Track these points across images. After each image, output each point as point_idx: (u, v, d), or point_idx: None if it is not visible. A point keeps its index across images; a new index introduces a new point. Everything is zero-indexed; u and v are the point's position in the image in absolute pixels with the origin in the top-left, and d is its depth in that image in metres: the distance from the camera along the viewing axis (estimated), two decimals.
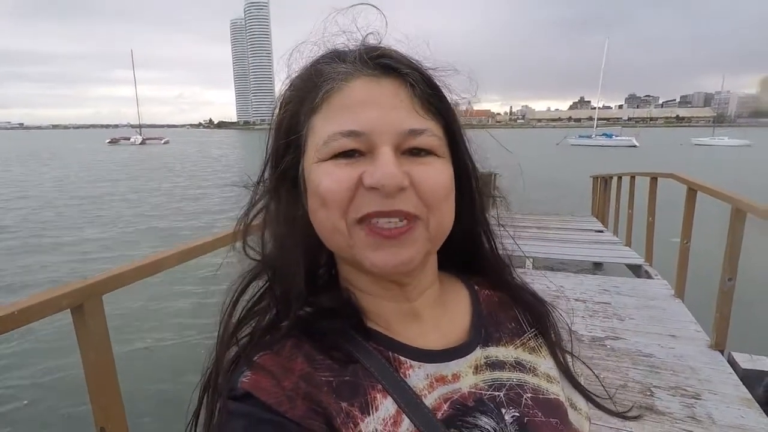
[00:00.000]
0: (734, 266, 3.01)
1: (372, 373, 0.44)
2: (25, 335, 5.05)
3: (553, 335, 0.56)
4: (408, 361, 0.46)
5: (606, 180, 7.86)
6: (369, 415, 0.42)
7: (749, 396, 2.54)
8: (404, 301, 0.50)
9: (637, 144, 54.28)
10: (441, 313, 0.52)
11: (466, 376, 0.47)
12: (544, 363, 0.53)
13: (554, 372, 0.53)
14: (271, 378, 0.42)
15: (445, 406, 0.44)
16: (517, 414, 0.46)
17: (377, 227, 0.42)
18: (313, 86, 0.45)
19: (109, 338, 1.43)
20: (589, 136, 62.14)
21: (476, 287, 0.57)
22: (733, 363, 2.88)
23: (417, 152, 0.43)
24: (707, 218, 3.32)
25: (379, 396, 0.43)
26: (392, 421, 0.42)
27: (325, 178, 0.42)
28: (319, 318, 0.48)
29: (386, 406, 0.43)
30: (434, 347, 0.49)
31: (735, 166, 25.99)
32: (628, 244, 6.00)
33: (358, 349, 0.46)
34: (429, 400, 0.44)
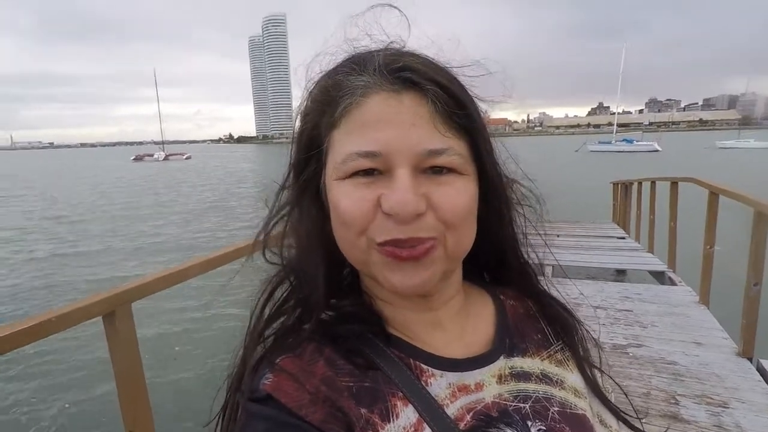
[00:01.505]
0: (759, 271, 2.94)
1: (393, 380, 0.44)
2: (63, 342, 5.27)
3: (581, 350, 0.55)
4: (430, 369, 0.46)
5: (626, 186, 7.73)
6: (389, 422, 0.41)
7: None
8: (426, 310, 0.49)
9: (659, 149, 53.15)
10: (465, 322, 0.51)
11: (489, 385, 0.46)
12: (571, 377, 0.52)
13: (581, 386, 0.52)
14: (292, 381, 0.42)
15: (468, 417, 0.43)
16: (544, 428, 0.44)
17: (394, 249, 0.41)
18: (331, 100, 0.44)
19: (137, 344, 1.50)
20: (609, 142, 61.08)
21: (502, 297, 0.56)
22: (762, 371, 2.80)
23: (438, 170, 0.42)
24: (735, 222, 3.25)
25: (399, 403, 0.42)
26: (413, 429, 0.41)
27: (344, 199, 0.42)
28: (340, 322, 0.48)
29: (407, 414, 0.42)
30: (457, 356, 0.48)
31: (763, 169, 25.15)
32: (651, 250, 5.88)
33: (379, 355, 0.45)
34: (451, 410, 0.43)
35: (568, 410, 0.47)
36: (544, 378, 0.49)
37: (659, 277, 5.12)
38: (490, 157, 0.47)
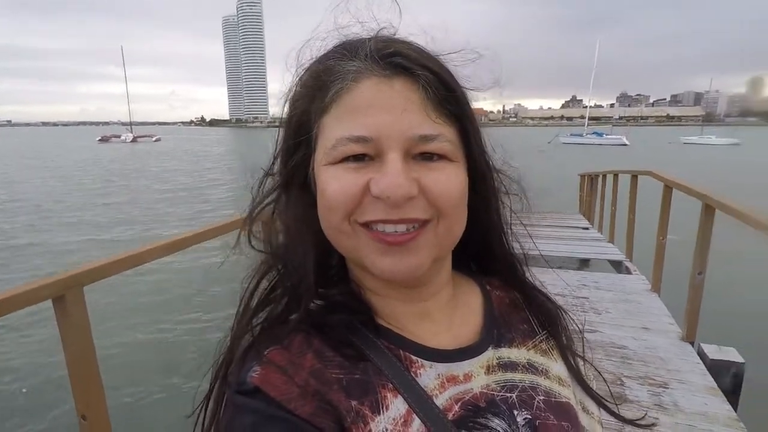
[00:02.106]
0: (704, 261, 3.12)
1: (382, 371, 0.43)
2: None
3: (564, 338, 0.56)
4: (419, 360, 0.46)
5: (593, 178, 7.97)
6: (379, 414, 0.41)
7: (715, 385, 2.65)
8: (416, 301, 0.49)
9: (628, 143, 54.72)
10: (453, 313, 0.51)
11: (477, 376, 0.47)
12: (556, 366, 0.53)
13: (565, 375, 0.53)
14: (281, 374, 0.41)
15: (457, 407, 0.44)
16: (529, 416, 0.45)
17: (381, 233, 0.41)
18: (322, 85, 0.43)
19: (90, 328, 1.48)
20: (581, 135, 62.41)
21: (488, 288, 0.56)
22: (701, 354, 2.99)
23: (429, 156, 0.42)
24: (691, 214, 3.42)
25: (389, 395, 0.42)
26: (403, 420, 0.41)
27: (332, 183, 0.42)
28: (329, 312, 0.47)
29: (397, 405, 0.42)
30: (446, 347, 0.48)
31: (721, 164, 26.28)
32: (612, 240, 6.12)
33: (369, 346, 0.45)
34: (440, 401, 0.43)
35: (553, 399, 0.48)
36: (530, 367, 0.50)
37: (617, 266, 5.35)
38: (478, 145, 0.47)
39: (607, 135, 61.43)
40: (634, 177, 5.21)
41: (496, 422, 0.44)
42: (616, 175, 6.28)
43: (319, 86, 0.44)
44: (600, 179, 7.31)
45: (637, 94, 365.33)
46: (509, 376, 0.48)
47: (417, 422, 0.41)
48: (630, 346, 3.14)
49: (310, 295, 0.47)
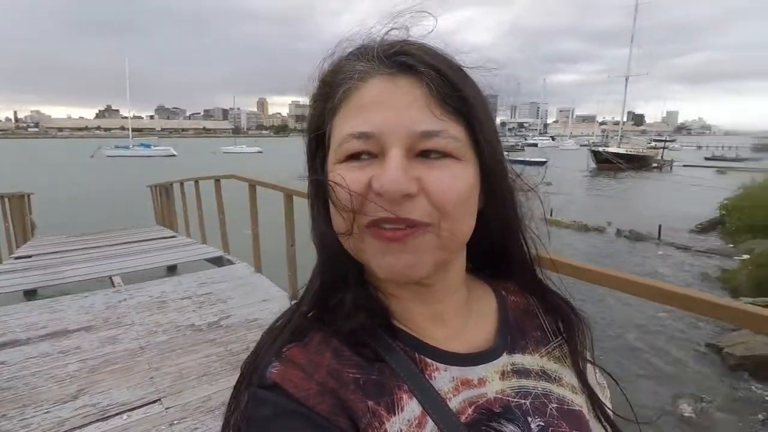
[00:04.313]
0: (291, 235, 3.88)
1: (398, 373, 0.44)
2: None
3: (578, 344, 0.55)
4: (434, 363, 0.46)
5: (167, 188, 7.88)
6: (395, 415, 0.41)
7: None
8: (429, 302, 0.49)
9: (176, 153, 54.14)
10: (467, 317, 0.51)
11: (492, 381, 0.47)
12: (569, 373, 0.53)
13: (578, 383, 0.53)
14: (299, 371, 0.42)
15: (470, 410, 0.44)
16: (543, 423, 0.46)
17: (382, 230, 0.41)
18: (333, 84, 0.45)
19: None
20: (127, 147, 57.10)
21: (503, 293, 0.56)
22: None
23: (434, 155, 0.41)
24: (275, 206, 4.04)
25: (405, 396, 0.42)
26: (417, 422, 0.41)
27: (338, 181, 0.42)
28: (348, 313, 0.47)
29: (411, 407, 0.42)
30: (459, 350, 0.48)
31: (253, 166, 29.91)
32: (205, 241, 6.23)
33: (385, 348, 0.45)
34: (453, 403, 0.44)
35: (566, 407, 0.49)
36: (543, 375, 0.50)
37: (218, 261, 5.58)
38: (488, 144, 0.45)
39: (155, 146, 59.08)
40: (217, 181, 5.52)
41: (510, 428, 0.44)
42: (197, 182, 6.32)
43: (330, 84, 0.46)
44: (178, 187, 7.28)
45: (174, 107, 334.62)
46: (523, 382, 0.49)
47: (431, 424, 0.42)
48: (261, 317, 3.60)
49: (353, 290, 0.47)
